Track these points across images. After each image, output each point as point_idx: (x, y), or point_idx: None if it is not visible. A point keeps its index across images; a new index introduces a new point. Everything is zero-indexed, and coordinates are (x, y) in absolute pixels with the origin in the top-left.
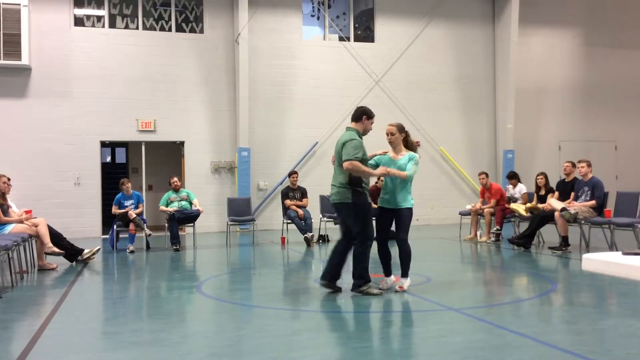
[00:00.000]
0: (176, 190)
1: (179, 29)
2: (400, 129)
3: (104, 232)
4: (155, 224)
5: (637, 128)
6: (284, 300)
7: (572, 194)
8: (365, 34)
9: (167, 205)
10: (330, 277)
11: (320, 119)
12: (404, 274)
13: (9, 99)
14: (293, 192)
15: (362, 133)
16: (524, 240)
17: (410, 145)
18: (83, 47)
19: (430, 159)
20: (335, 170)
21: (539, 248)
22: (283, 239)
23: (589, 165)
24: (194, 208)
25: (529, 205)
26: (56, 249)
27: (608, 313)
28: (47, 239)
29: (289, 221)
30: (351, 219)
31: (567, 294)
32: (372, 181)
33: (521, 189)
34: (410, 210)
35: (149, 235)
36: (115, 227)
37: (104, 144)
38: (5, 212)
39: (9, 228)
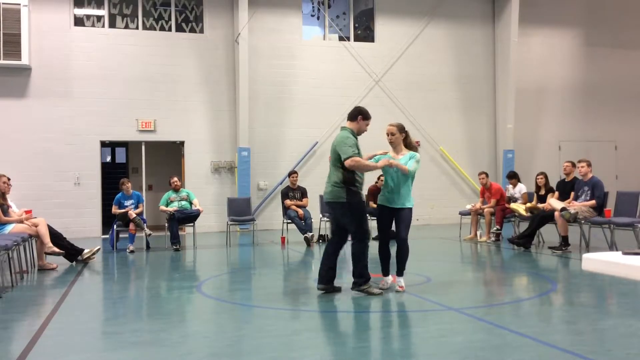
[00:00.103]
0: (176, 190)
1: (179, 28)
2: (401, 129)
3: (104, 232)
4: (155, 224)
5: (637, 128)
6: (284, 300)
7: (572, 193)
8: (365, 33)
9: (167, 205)
10: (327, 280)
11: (320, 119)
12: (400, 273)
13: (9, 99)
14: (293, 192)
15: (357, 133)
16: (524, 240)
17: (410, 146)
18: (83, 47)
19: (430, 159)
20: (330, 169)
21: (539, 248)
22: (283, 238)
23: (589, 165)
24: (194, 208)
25: (529, 205)
26: (56, 249)
27: (608, 313)
28: (47, 239)
29: (289, 221)
30: (346, 218)
31: (567, 294)
32: (372, 180)
33: (521, 188)
34: (410, 210)
35: (149, 235)
36: (115, 227)
37: (104, 144)
38: (5, 212)
39: (9, 228)
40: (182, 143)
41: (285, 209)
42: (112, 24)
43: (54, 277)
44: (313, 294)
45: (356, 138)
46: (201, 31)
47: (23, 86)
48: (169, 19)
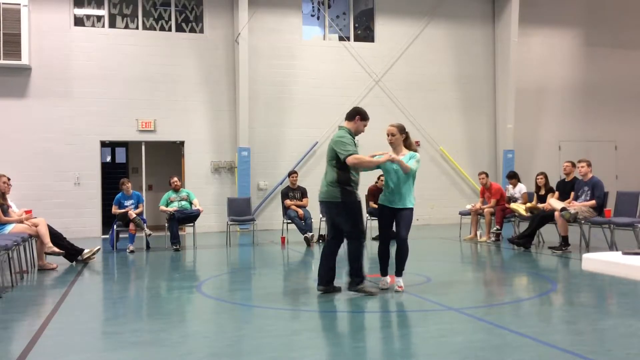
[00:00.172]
0: (176, 190)
1: (179, 28)
2: (401, 130)
3: (104, 232)
4: (155, 224)
5: (637, 128)
6: (284, 300)
7: (572, 193)
8: (365, 33)
9: (167, 205)
10: (327, 280)
11: (320, 119)
12: (399, 273)
13: (9, 99)
14: (293, 192)
15: (354, 133)
16: (524, 240)
17: (410, 147)
18: (83, 47)
19: (430, 159)
20: (325, 168)
21: (539, 248)
22: (283, 238)
23: (589, 165)
24: (194, 208)
25: (529, 205)
26: (56, 249)
27: (608, 313)
28: (47, 239)
29: (289, 221)
30: (341, 217)
31: (567, 294)
32: (371, 181)
33: (521, 188)
34: (411, 210)
35: (149, 235)
36: (115, 227)
37: (104, 144)
38: (5, 212)
39: (9, 228)
40: (182, 143)
41: (285, 209)
42: (112, 24)
43: (54, 277)
44: (313, 294)
45: (353, 138)
46: (201, 31)
47: (23, 86)
48: (169, 19)
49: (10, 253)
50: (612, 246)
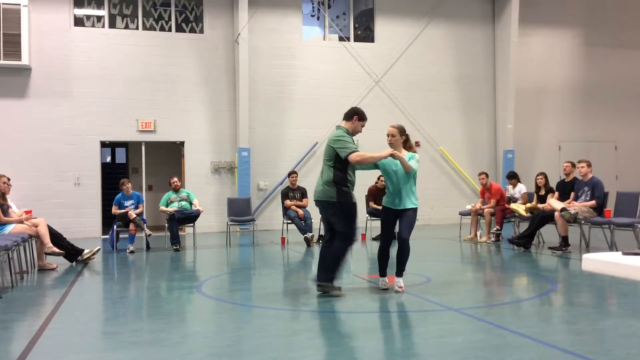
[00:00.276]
0: (176, 190)
1: (179, 29)
2: (402, 131)
3: (104, 232)
4: (155, 224)
5: (637, 128)
6: (284, 301)
7: (572, 194)
8: (365, 34)
9: (167, 206)
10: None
11: (320, 119)
12: (400, 274)
13: (9, 99)
14: (293, 192)
15: (352, 133)
16: (524, 241)
17: (409, 150)
18: (83, 47)
19: (430, 159)
20: (322, 168)
21: (539, 248)
22: (283, 239)
23: (589, 165)
24: (194, 208)
25: (529, 205)
26: (56, 249)
27: (608, 313)
28: (47, 239)
29: (289, 221)
30: (335, 217)
31: (567, 294)
32: (372, 180)
33: (521, 189)
34: (414, 210)
35: (149, 235)
36: (115, 227)
37: (104, 144)
38: (5, 213)
39: (9, 228)
40: (182, 143)
41: (285, 209)
42: (112, 24)
43: (54, 277)
44: (313, 294)
45: (351, 137)
46: (201, 31)
47: (23, 86)
48: (169, 19)
49: (10, 253)
50: (612, 246)
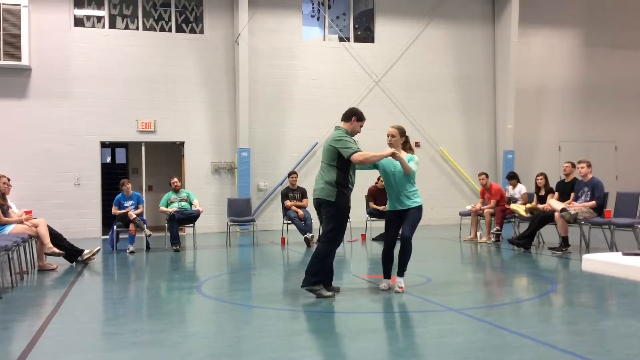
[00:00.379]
0: (176, 190)
1: (179, 29)
2: (402, 132)
3: (104, 233)
4: (155, 225)
5: (637, 128)
6: (284, 301)
7: (572, 194)
8: (365, 34)
9: (167, 206)
10: (325, 283)
11: (320, 119)
12: (401, 274)
13: (9, 99)
14: (293, 192)
15: (351, 134)
16: (524, 241)
17: (409, 151)
18: (83, 48)
19: (430, 159)
20: (322, 168)
21: (539, 248)
22: (283, 239)
23: (589, 165)
24: (194, 208)
25: (528, 205)
26: (56, 250)
27: (608, 313)
28: (47, 239)
29: (289, 222)
30: (328, 216)
31: (567, 295)
32: (372, 181)
33: (521, 189)
34: (417, 209)
35: (149, 235)
36: (115, 227)
37: (104, 145)
38: (5, 213)
39: (9, 229)
40: (182, 143)
41: (285, 209)
42: (112, 25)
43: (54, 277)
44: (313, 294)
45: (351, 138)
46: (201, 32)
47: (23, 86)
48: (169, 19)
49: (10, 254)
50: (612, 247)
